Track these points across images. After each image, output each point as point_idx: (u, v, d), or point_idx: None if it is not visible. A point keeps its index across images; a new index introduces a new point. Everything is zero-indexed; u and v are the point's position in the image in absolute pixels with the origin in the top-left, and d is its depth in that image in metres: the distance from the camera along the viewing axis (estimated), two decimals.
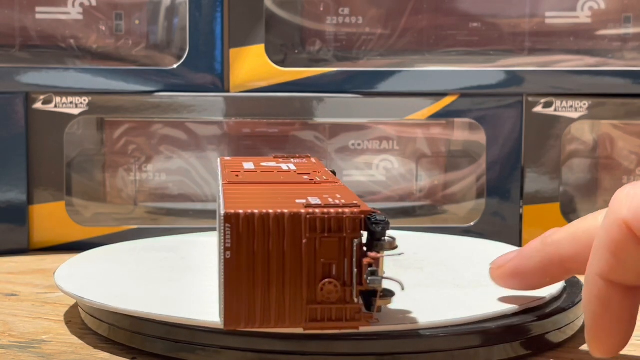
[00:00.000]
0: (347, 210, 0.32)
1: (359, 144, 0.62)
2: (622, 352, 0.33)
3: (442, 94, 0.59)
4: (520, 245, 0.58)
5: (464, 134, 0.63)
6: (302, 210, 0.32)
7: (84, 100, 0.58)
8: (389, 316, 0.35)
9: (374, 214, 0.33)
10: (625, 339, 0.32)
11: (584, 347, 0.39)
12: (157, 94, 0.58)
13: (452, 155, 0.63)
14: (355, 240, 0.32)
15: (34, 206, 0.58)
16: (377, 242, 0.32)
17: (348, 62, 0.61)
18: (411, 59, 0.61)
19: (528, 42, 0.60)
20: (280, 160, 0.47)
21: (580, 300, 0.40)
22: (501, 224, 0.59)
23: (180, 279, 0.42)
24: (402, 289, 0.32)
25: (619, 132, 0.62)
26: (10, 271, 0.53)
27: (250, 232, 0.32)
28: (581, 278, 0.36)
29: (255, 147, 0.62)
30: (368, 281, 0.31)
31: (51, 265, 0.53)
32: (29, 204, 0.58)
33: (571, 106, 0.58)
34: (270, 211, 0.32)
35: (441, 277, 0.43)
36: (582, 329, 0.40)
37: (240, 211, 0.32)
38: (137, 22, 0.60)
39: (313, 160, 0.47)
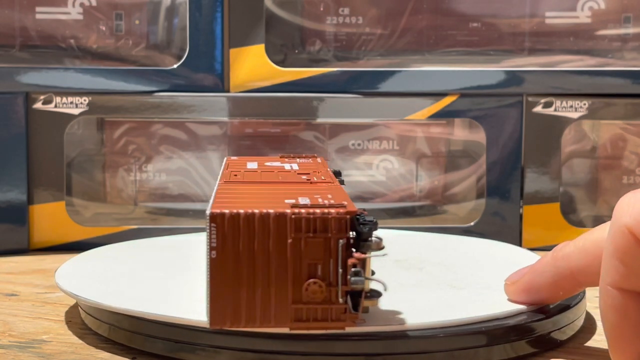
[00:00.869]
0: (333, 210, 0.32)
1: (359, 144, 0.62)
2: None
3: (442, 94, 0.59)
4: (520, 245, 0.58)
5: (464, 134, 0.63)
6: (288, 210, 0.32)
7: (84, 100, 0.58)
8: (383, 316, 0.35)
9: (361, 215, 0.33)
10: None
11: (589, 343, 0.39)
12: (157, 94, 0.58)
13: (452, 155, 0.63)
14: (341, 241, 0.32)
15: (34, 206, 0.58)
16: (364, 242, 0.32)
17: (348, 62, 0.61)
18: (411, 59, 0.61)
19: (528, 42, 0.60)
20: (286, 160, 0.47)
21: (581, 300, 0.40)
22: (501, 224, 0.59)
23: (180, 279, 0.42)
24: (385, 289, 0.33)
25: (619, 132, 0.62)
26: (10, 271, 0.53)
27: (235, 231, 0.32)
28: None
29: (255, 147, 0.62)
30: (351, 281, 0.32)
31: (51, 265, 0.53)
32: (29, 204, 0.58)
33: (571, 106, 0.58)
34: (256, 211, 0.32)
35: (440, 278, 0.43)
36: (582, 329, 0.40)
37: (226, 211, 0.32)
38: (137, 22, 0.60)
39: (319, 160, 0.47)
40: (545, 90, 0.58)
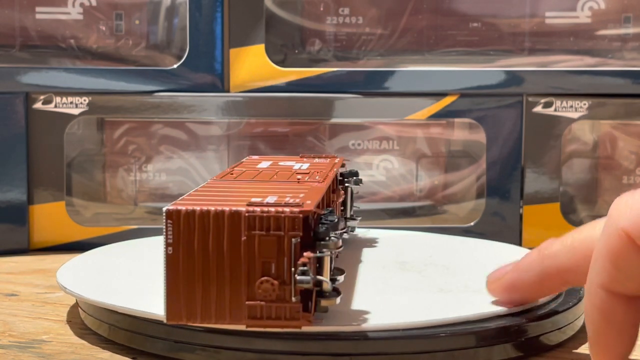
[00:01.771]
0: (287, 209, 0.32)
1: (359, 144, 0.62)
2: None
3: (442, 94, 0.59)
4: (520, 244, 0.58)
5: (464, 134, 0.63)
6: (242, 209, 0.32)
7: (84, 100, 0.58)
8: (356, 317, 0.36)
9: (325, 214, 0.33)
10: (628, 351, 0.32)
11: (581, 350, 0.39)
12: (157, 94, 0.58)
13: (452, 155, 0.63)
14: (293, 240, 0.32)
15: (34, 206, 0.58)
16: (320, 242, 0.33)
17: (348, 62, 0.61)
18: (411, 59, 0.61)
19: (528, 42, 0.60)
20: (304, 159, 0.47)
21: (579, 301, 0.40)
22: (501, 224, 0.59)
23: None
24: (331, 289, 0.33)
25: (619, 132, 0.62)
26: (10, 271, 0.53)
27: (190, 228, 0.32)
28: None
29: (255, 147, 0.62)
30: (297, 280, 0.32)
31: (51, 265, 0.53)
32: (29, 204, 0.58)
33: (571, 106, 0.58)
34: (211, 209, 0.32)
35: (437, 280, 0.42)
36: (582, 328, 0.40)
37: (182, 208, 0.32)
38: (137, 22, 0.60)
39: (336, 160, 0.47)
40: (545, 90, 0.58)
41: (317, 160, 0.47)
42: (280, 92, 0.59)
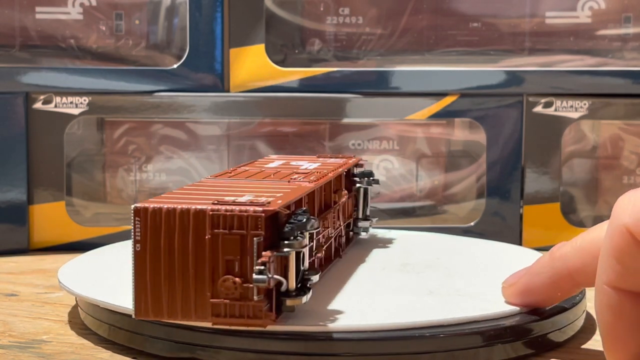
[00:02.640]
0: (250, 208, 0.32)
1: (359, 144, 0.62)
2: None
3: (442, 94, 0.59)
4: (520, 244, 0.58)
5: (464, 133, 0.63)
6: (207, 207, 0.33)
7: (84, 100, 0.58)
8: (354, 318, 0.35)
9: (294, 214, 0.33)
10: None
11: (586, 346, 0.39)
12: (157, 94, 0.58)
13: (452, 155, 0.63)
14: (255, 239, 0.32)
15: (34, 206, 0.58)
16: (284, 241, 0.33)
17: (348, 62, 0.61)
18: (411, 59, 0.61)
19: (528, 42, 0.60)
20: (319, 159, 0.48)
21: (580, 300, 0.40)
22: (501, 224, 0.59)
23: None
24: (284, 290, 0.33)
25: (619, 132, 0.62)
26: (10, 271, 0.53)
27: (157, 226, 0.33)
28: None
29: (255, 147, 0.62)
30: (254, 279, 0.32)
31: (51, 265, 0.53)
32: (29, 204, 0.58)
33: (571, 106, 0.58)
34: (177, 207, 0.33)
35: (435, 281, 0.42)
36: (582, 329, 0.40)
37: (149, 205, 0.33)
38: (137, 22, 0.60)
39: (350, 161, 0.48)
40: (545, 90, 0.58)
41: (331, 160, 0.48)
42: (280, 92, 0.59)
